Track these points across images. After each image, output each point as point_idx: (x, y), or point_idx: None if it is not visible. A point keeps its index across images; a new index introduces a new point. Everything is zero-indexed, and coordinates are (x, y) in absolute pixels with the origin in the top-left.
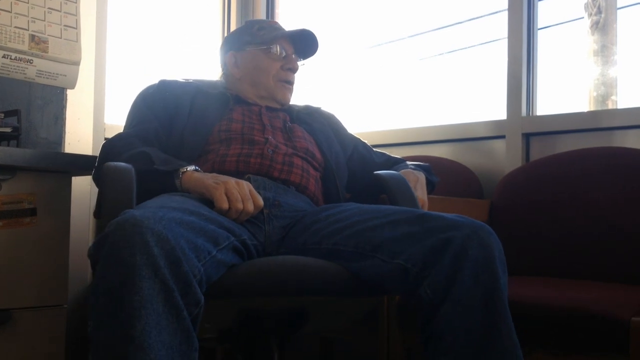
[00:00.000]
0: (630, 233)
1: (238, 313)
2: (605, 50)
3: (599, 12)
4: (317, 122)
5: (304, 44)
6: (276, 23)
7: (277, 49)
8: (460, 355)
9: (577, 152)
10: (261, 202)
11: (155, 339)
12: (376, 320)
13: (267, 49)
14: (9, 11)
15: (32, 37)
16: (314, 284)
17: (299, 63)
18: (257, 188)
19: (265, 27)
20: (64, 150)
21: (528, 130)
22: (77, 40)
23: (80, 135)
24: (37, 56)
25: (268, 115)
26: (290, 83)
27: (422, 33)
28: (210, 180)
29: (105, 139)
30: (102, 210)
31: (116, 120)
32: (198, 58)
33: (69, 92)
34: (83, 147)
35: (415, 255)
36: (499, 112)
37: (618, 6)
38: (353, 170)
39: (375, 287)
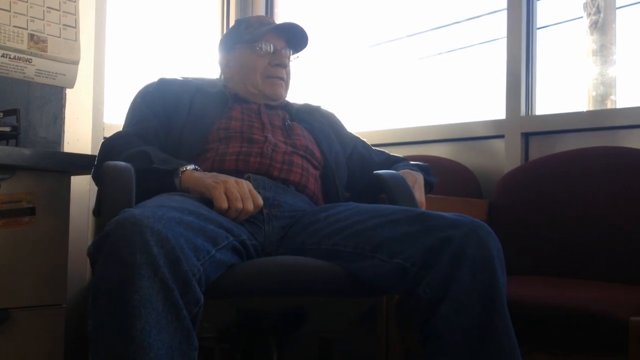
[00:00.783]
0: (630, 233)
1: (237, 313)
2: (604, 50)
3: (598, 11)
4: (316, 121)
5: (293, 36)
6: (265, 18)
7: (263, 45)
8: (459, 354)
9: (576, 151)
10: (261, 201)
11: (155, 338)
12: (375, 320)
13: (253, 46)
14: (7, 10)
15: (31, 37)
16: (312, 284)
17: (293, 56)
18: (256, 187)
19: (252, 24)
20: (63, 149)
21: (527, 129)
22: (76, 39)
23: (79, 134)
24: (36, 55)
25: (267, 113)
26: (280, 79)
27: (421, 32)
28: (209, 179)
29: (105, 138)
30: (102, 209)
31: (115, 120)
32: (197, 57)
33: (68, 91)
34: (82, 146)
35: (414, 255)
36: (498, 111)
37: (617, 6)
38: (352, 170)
39: (374, 288)
